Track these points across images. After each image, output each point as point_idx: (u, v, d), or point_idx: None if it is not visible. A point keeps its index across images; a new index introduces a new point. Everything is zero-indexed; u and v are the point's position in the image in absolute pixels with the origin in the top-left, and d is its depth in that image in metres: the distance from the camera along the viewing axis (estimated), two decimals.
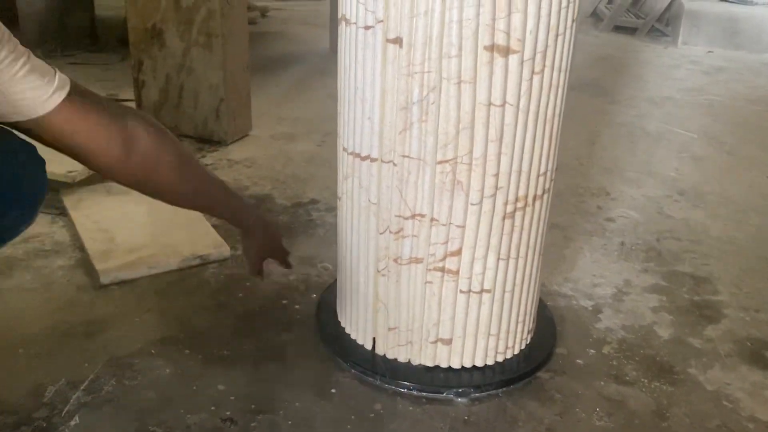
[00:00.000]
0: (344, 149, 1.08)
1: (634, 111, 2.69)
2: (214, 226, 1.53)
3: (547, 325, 1.25)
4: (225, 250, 1.44)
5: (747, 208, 1.84)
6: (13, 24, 3.18)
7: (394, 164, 1.00)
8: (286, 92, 2.75)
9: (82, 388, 1.06)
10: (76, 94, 0.82)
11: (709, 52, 3.90)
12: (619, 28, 4.43)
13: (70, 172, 1.62)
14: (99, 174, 0.92)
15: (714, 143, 2.37)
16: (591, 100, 2.82)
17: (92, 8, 3.32)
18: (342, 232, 1.14)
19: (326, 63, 3.18)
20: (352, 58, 1.01)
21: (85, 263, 1.41)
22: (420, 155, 0.98)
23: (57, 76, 0.80)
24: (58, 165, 1.52)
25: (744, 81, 3.30)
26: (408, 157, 0.99)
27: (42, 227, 1.55)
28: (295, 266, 1.36)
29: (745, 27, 3.98)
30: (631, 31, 4.37)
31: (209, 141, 2.14)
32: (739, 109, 2.82)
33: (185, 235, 1.48)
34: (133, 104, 2.21)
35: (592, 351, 1.21)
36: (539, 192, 1.04)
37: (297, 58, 3.31)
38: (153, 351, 1.16)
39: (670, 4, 4.33)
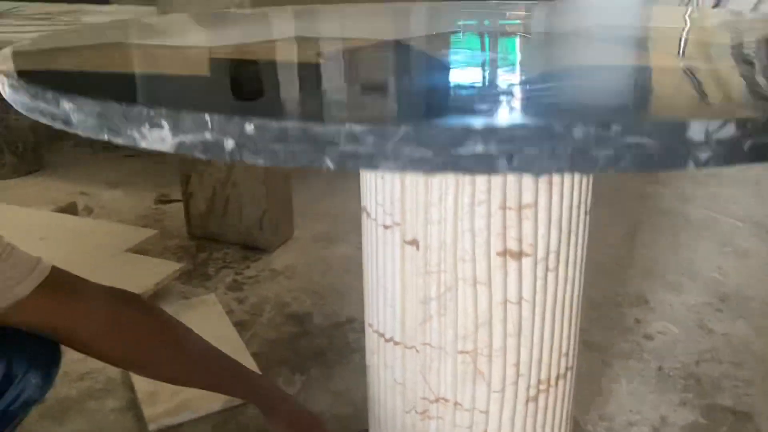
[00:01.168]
0: (369, 325, 1.13)
1: (677, 192, 2.66)
2: (254, 354, 1.60)
3: None
4: None
5: None
6: None
7: (417, 351, 1.04)
8: (325, 186, 2.81)
9: None
10: (51, 284, 0.86)
11: None
12: None
13: None
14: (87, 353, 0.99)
15: (760, 232, 2.31)
16: (631, 179, 2.80)
17: None
18: (372, 406, 1.17)
19: None
20: (373, 249, 1.06)
21: (134, 405, 1.48)
22: (441, 344, 1.01)
23: (37, 267, 0.85)
24: None
25: None
26: (429, 345, 1.02)
27: (95, 362, 1.64)
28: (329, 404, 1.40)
29: None
30: None
31: (254, 248, 2.22)
32: None
33: None
34: (181, 210, 2.34)
35: None
36: (562, 371, 1.06)
37: None
38: None
39: None
